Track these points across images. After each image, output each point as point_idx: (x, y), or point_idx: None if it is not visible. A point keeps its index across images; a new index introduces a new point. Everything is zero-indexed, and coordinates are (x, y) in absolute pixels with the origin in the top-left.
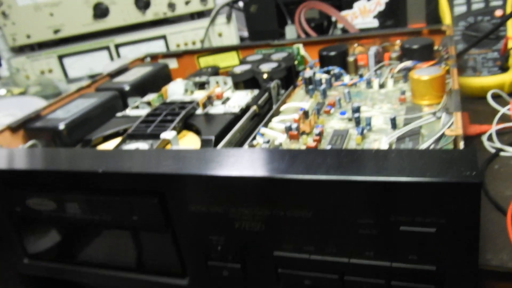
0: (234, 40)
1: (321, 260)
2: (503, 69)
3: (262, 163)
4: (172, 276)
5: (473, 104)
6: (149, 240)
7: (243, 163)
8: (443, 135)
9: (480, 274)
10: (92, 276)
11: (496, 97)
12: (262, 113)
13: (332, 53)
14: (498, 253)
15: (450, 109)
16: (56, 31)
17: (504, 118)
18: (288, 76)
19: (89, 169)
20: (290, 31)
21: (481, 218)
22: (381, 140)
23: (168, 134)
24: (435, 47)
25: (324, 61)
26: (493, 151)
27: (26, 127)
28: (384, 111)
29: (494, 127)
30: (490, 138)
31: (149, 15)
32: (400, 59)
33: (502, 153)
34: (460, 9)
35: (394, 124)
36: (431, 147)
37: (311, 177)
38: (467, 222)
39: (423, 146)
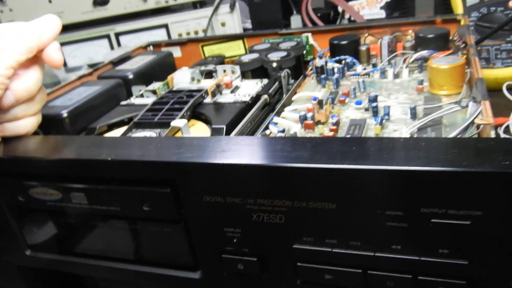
0: (237, 30)
1: (344, 253)
2: None
3: (282, 151)
4: (183, 269)
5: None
6: (160, 231)
7: (261, 152)
8: (471, 124)
9: None
10: (98, 268)
11: (511, 89)
12: (272, 102)
13: (344, 42)
14: None
15: (477, 98)
16: None
17: None
18: (297, 66)
19: (97, 157)
20: (296, 21)
21: None
22: (401, 130)
23: (178, 122)
24: (450, 37)
25: (335, 50)
26: None
27: None
28: (401, 101)
29: (511, 120)
30: (506, 131)
31: (151, 3)
32: (415, 48)
33: None
34: None
35: (414, 114)
36: (459, 136)
37: (338, 166)
38: (504, 214)
39: (450, 135)
